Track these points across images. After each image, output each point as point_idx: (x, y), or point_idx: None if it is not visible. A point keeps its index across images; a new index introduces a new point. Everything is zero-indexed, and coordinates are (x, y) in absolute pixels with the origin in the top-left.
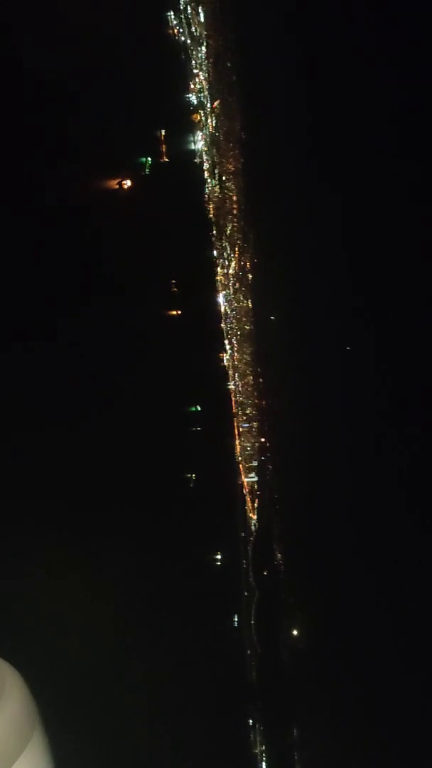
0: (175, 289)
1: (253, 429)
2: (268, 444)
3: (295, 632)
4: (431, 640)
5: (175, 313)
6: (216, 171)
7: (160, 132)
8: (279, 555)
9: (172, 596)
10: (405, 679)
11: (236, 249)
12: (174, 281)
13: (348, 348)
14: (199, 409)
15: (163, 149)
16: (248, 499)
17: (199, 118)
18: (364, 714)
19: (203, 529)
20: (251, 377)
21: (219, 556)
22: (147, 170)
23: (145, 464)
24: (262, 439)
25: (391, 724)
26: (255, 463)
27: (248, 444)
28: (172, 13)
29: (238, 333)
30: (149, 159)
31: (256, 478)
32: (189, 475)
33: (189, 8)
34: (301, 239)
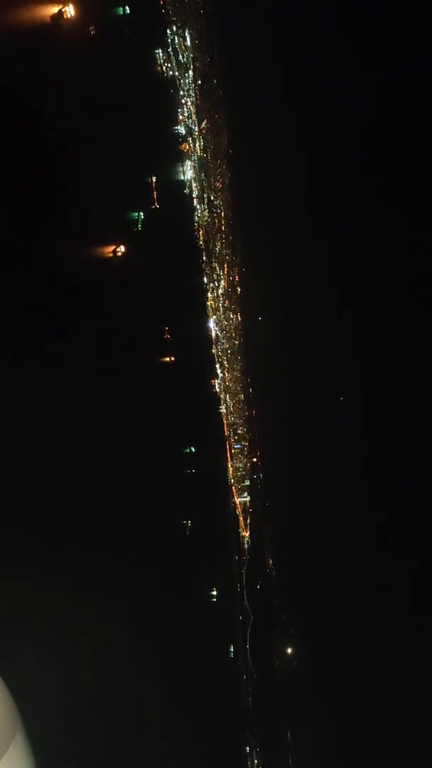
0: (168, 336)
1: (245, 449)
2: (257, 458)
3: (289, 650)
4: (426, 649)
5: (168, 360)
6: (204, 195)
7: (151, 179)
8: (272, 570)
9: (169, 622)
10: (401, 693)
11: (225, 266)
12: (167, 328)
13: (341, 398)
14: (193, 450)
15: (155, 195)
16: (241, 518)
17: (187, 147)
18: (361, 736)
19: (199, 556)
20: (242, 395)
21: (215, 581)
22: (139, 226)
23: (141, 499)
24: (254, 459)
25: (391, 746)
26: (247, 483)
27: (240, 465)
28: (159, 50)
29: (229, 351)
30: (141, 214)
31: (248, 498)
32: (184, 507)
33: (176, 38)
34: (284, 244)
